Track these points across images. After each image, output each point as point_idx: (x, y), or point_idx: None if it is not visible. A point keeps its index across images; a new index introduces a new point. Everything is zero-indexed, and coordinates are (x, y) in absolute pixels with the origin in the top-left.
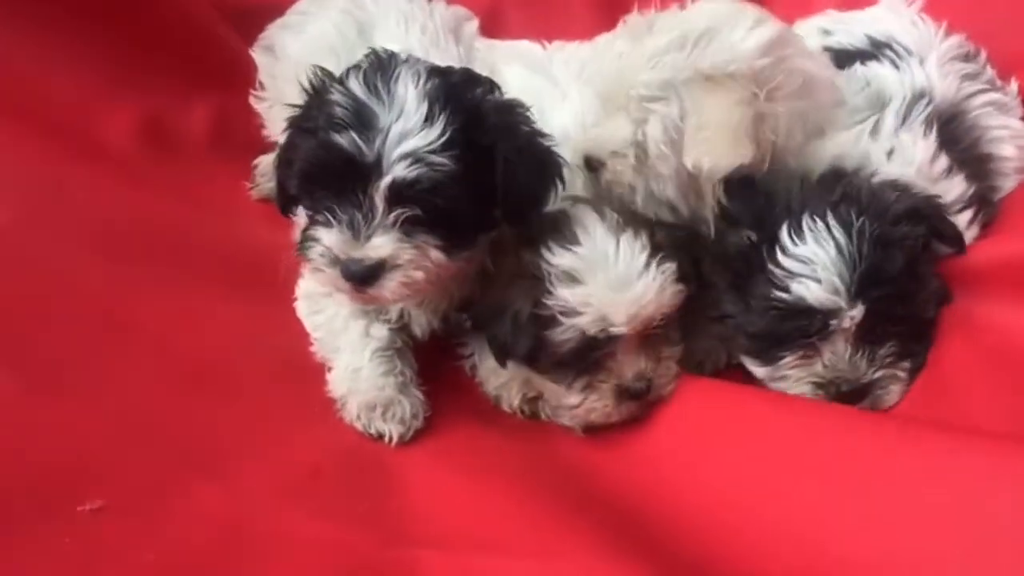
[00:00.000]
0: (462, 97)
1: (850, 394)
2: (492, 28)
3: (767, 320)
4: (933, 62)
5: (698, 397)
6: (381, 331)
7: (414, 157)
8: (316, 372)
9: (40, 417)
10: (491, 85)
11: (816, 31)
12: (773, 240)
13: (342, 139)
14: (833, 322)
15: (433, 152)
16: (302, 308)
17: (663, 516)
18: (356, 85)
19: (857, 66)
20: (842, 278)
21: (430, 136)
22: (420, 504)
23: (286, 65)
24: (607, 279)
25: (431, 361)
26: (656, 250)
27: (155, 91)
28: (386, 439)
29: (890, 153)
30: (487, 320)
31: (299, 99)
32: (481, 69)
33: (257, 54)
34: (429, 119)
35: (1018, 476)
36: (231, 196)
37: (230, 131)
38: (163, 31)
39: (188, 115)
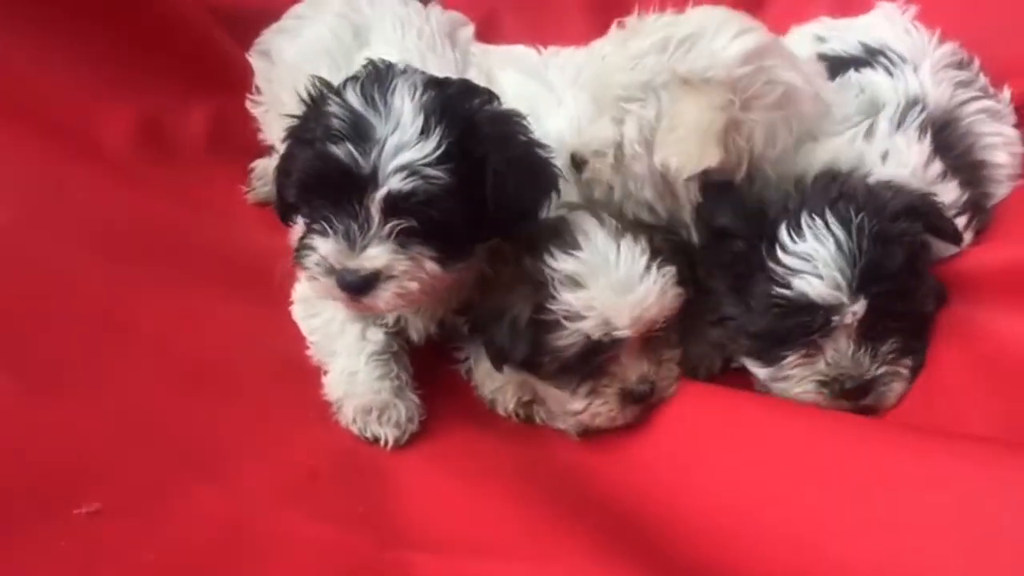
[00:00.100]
0: (458, 109)
1: (854, 392)
2: (488, 33)
3: (769, 318)
4: (927, 69)
5: (693, 401)
6: (377, 335)
7: (409, 169)
8: (313, 374)
9: (39, 418)
10: (489, 96)
11: (810, 38)
12: (772, 239)
13: (338, 151)
14: (835, 318)
15: (428, 165)
16: (298, 312)
17: (659, 520)
18: (353, 97)
19: (851, 73)
20: (843, 273)
21: (425, 149)
22: (415, 507)
23: (282, 69)
24: (610, 283)
25: (427, 365)
26: (655, 254)
27: (153, 93)
28: (382, 443)
29: (885, 156)
30: (485, 324)
31: (295, 105)
32: (477, 74)
33: (253, 58)
34: (425, 132)
35: (1014, 481)
36: (228, 199)
37: (226, 134)
38: (161, 34)
39: (185, 118)
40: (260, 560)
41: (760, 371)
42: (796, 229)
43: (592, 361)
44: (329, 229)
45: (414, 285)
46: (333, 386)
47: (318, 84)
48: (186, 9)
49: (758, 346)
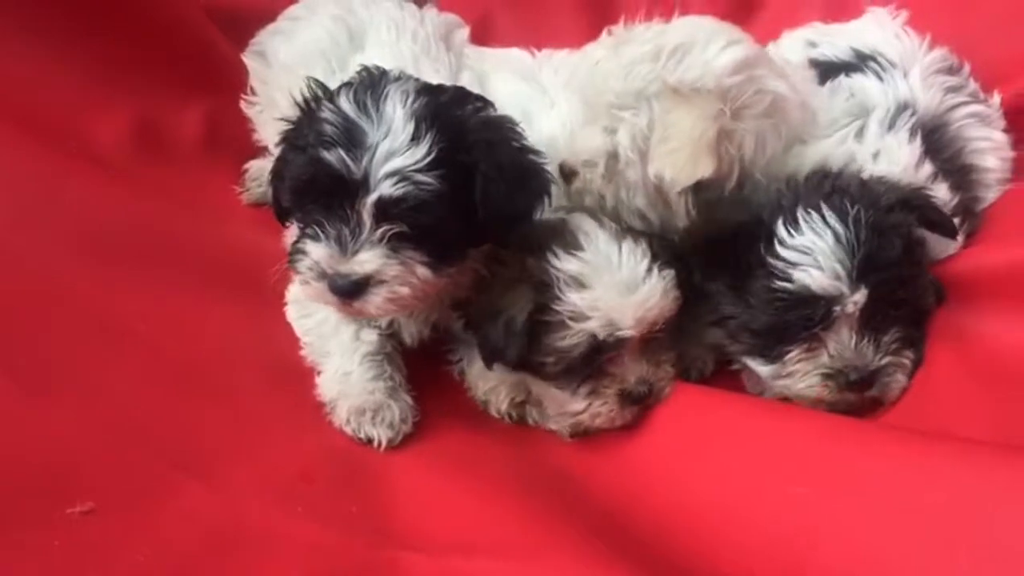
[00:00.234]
0: (449, 116)
1: (858, 383)
2: (483, 35)
3: (771, 313)
4: (916, 74)
5: (686, 402)
6: (371, 336)
7: (400, 175)
8: (306, 375)
9: (32, 417)
10: (484, 103)
11: (802, 43)
12: (769, 237)
13: (330, 156)
14: (836, 308)
15: (419, 171)
16: (292, 312)
17: (651, 520)
18: (346, 103)
19: (842, 78)
20: (843, 264)
21: (416, 155)
22: (408, 507)
23: (277, 70)
24: (614, 283)
25: (420, 366)
26: (654, 257)
27: (147, 95)
28: (375, 443)
29: (876, 155)
30: (480, 321)
31: (290, 106)
32: (470, 77)
33: (248, 59)
34: (416, 138)
35: (1008, 483)
36: (222, 200)
37: (221, 135)
38: (156, 35)
39: (180, 119)
40: (252, 560)
41: (763, 369)
42: (793, 224)
43: (595, 362)
44: (321, 234)
45: (405, 290)
46: (327, 386)
47: (313, 86)
48: (181, 9)
49: (760, 343)
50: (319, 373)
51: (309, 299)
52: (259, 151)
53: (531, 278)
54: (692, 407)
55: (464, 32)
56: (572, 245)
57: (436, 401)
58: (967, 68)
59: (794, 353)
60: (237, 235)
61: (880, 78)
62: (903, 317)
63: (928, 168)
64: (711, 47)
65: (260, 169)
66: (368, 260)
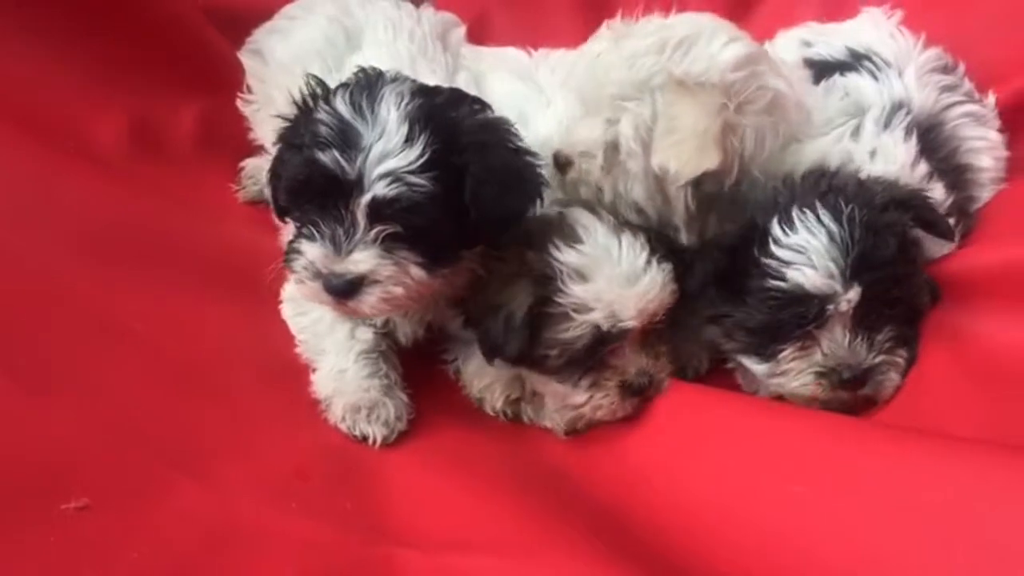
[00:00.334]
0: (443, 118)
1: (851, 382)
2: (480, 34)
3: (765, 311)
4: (911, 74)
5: (681, 400)
6: (366, 334)
7: (394, 176)
8: (301, 373)
9: (25, 415)
10: (481, 104)
11: (797, 42)
12: (764, 236)
13: (325, 157)
14: (830, 307)
15: (412, 172)
16: (287, 310)
17: (646, 517)
18: (342, 104)
19: (837, 77)
20: (836, 263)
21: (410, 156)
22: (403, 505)
23: (274, 69)
24: (615, 275)
25: (415, 364)
26: (652, 250)
27: (143, 93)
28: (370, 441)
29: (872, 153)
30: (480, 317)
31: (286, 105)
32: (467, 76)
33: (245, 57)
34: (409, 140)
35: (1004, 481)
36: (218, 198)
37: (217, 134)
38: (152, 33)
39: (176, 117)
40: (247, 557)
41: (758, 367)
42: (788, 223)
43: (597, 353)
44: (316, 233)
45: (399, 290)
46: (322, 384)
47: (312, 82)
48: (177, 8)
49: (755, 342)
50: (314, 371)
51: (304, 298)
52: (255, 149)
53: (531, 272)
54: (688, 405)
55: (461, 31)
56: (572, 238)
57: (431, 399)
58: (962, 67)
59: (788, 351)
60: (233, 233)
61: (875, 77)
62: (897, 316)
63: (924, 167)
64: (715, 42)
65: (256, 167)
66: (362, 260)
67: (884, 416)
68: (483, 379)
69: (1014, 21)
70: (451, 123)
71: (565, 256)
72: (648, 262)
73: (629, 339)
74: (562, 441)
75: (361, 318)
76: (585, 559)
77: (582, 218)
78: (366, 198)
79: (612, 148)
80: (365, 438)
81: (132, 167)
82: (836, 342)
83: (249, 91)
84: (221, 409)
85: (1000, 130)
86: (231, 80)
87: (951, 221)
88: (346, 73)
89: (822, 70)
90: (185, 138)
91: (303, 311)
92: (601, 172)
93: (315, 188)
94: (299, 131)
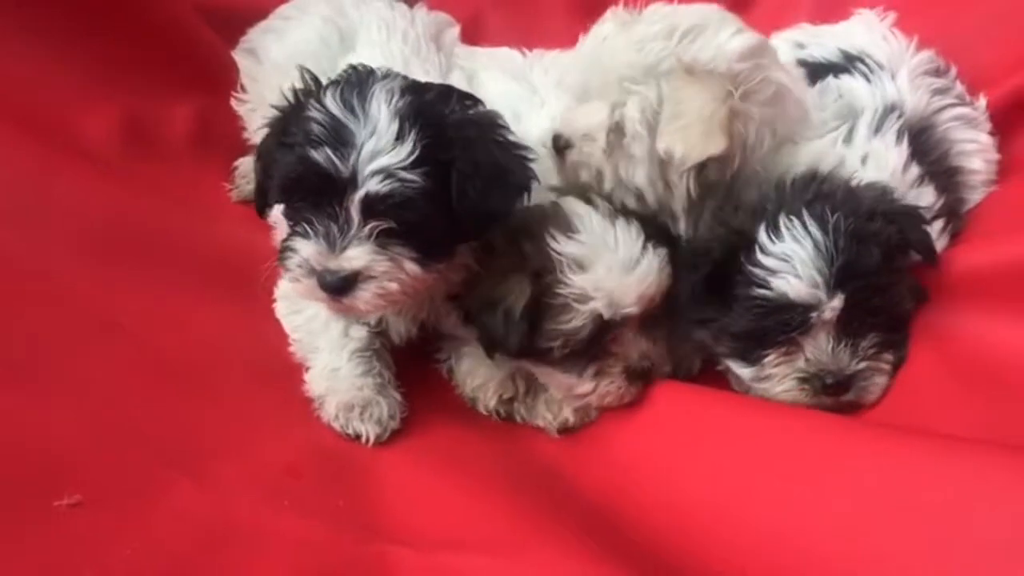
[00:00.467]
0: (432, 114)
1: (834, 387)
2: (473, 34)
3: (750, 318)
4: (904, 76)
5: (673, 400)
6: (360, 332)
7: (386, 173)
8: (294, 371)
9: (19, 412)
10: (472, 100)
11: (790, 44)
12: (750, 242)
13: (318, 155)
14: (814, 315)
15: (403, 168)
16: (281, 309)
17: (638, 516)
18: (332, 102)
19: (830, 79)
20: (821, 272)
21: (401, 153)
22: (396, 503)
23: (268, 69)
24: (613, 262)
25: (409, 363)
26: (648, 237)
27: (137, 92)
28: (363, 439)
29: (864, 159)
30: (478, 312)
31: (280, 102)
32: (460, 76)
33: (239, 56)
34: (400, 136)
35: (1001, 480)
36: (212, 197)
37: (211, 133)
38: (146, 32)
39: (170, 116)
40: (240, 555)
41: (743, 371)
42: (774, 230)
43: (600, 341)
44: (310, 231)
45: (394, 286)
46: (315, 382)
47: (306, 77)
48: (173, 8)
49: (740, 347)
50: (307, 369)
51: (299, 296)
52: (249, 149)
53: (528, 264)
54: (682, 404)
55: (454, 31)
56: (568, 228)
57: (424, 398)
58: (954, 71)
59: (772, 357)
60: (228, 232)
61: (868, 79)
62: (881, 323)
63: (915, 171)
64: (723, 32)
65: (250, 167)
66: (356, 256)
67: (871, 416)
68: (476, 378)
69: (1005, 24)
70: (439, 119)
71: (563, 247)
72: (644, 248)
73: (630, 325)
74: (555, 440)
75: (356, 316)
76: (578, 558)
77: (577, 207)
78: (359, 195)
79: (616, 131)
80: (358, 436)
81: (127, 166)
82: (819, 348)
83: (243, 90)
84: (214, 407)
85: (991, 133)
86: (226, 79)
87: (942, 222)
88: None
89: (815, 72)
90: (180, 137)
91: (297, 309)
92: (603, 155)
93: (308, 186)
94: (291, 129)
